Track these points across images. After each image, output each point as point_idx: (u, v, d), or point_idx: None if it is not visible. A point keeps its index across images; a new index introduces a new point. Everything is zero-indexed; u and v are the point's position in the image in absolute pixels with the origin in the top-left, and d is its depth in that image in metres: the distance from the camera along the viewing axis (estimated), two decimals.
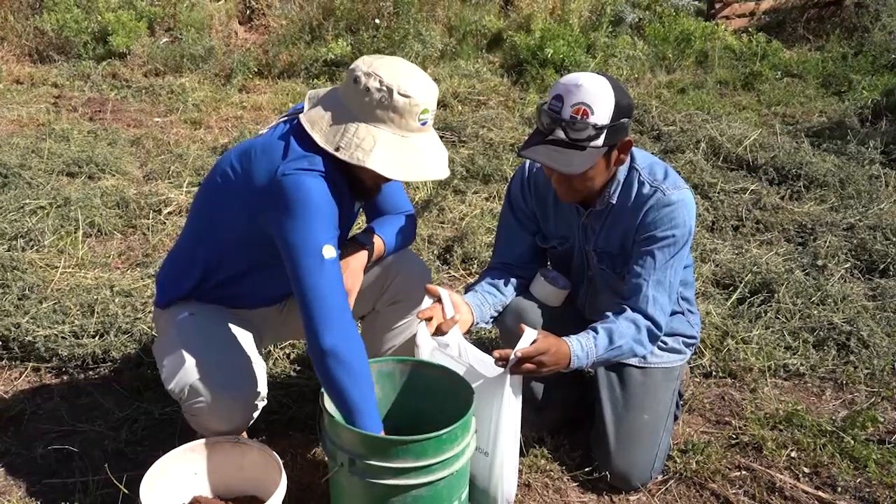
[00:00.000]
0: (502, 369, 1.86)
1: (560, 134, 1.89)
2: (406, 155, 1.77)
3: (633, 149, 2.09)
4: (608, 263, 2.17)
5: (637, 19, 7.97)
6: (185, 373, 1.82)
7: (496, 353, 1.88)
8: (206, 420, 1.87)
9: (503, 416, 1.87)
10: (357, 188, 1.90)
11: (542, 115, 1.93)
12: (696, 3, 8.85)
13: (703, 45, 7.38)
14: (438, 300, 2.01)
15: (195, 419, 1.89)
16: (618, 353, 2.01)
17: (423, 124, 1.80)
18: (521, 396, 1.91)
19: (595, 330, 2.00)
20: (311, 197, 1.72)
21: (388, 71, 1.76)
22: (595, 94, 1.86)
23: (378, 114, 1.76)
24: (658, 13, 8.06)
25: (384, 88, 1.74)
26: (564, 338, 1.95)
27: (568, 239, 2.23)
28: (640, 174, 2.06)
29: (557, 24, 7.33)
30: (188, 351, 1.86)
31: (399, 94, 1.73)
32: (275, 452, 1.81)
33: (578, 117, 1.86)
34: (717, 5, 8.52)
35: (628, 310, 2.04)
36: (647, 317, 2.03)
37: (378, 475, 1.61)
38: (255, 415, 1.92)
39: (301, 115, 1.82)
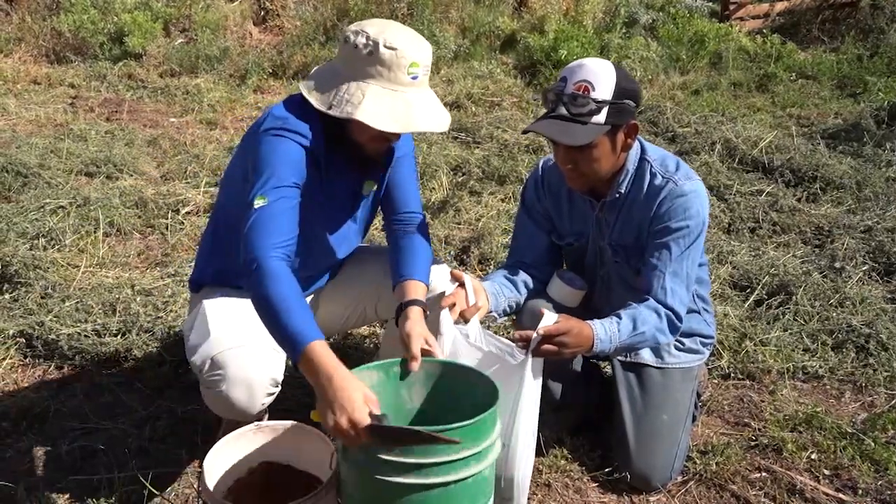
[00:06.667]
0: (523, 356, 1.85)
1: (563, 110, 1.94)
2: (398, 107, 1.79)
3: (645, 143, 2.11)
4: (623, 256, 2.17)
5: (651, 20, 7.98)
6: (209, 346, 1.84)
7: (517, 333, 1.87)
8: (219, 398, 1.85)
9: (522, 403, 1.84)
10: (356, 157, 1.93)
11: (548, 94, 1.99)
12: (710, 4, 8.86)
13: (717, 46, 7.37)
14: (461, 285, 2.00)
15: (210, 393, 1.87)
16: (640, 339, 2.01)
17: (414, 78, 1.81)
18: (540, 381, 1.88)
19: (619, 315, 2.01)
20: (272, 156, 1.80)
21: (375, 27, 1.80)
22: (596, 72, 1.92)
23: (367, 69, 1.78)
24: (672, 14, 8.06)
25: (371, 43, 1.77)
26: (588, 321, 1.96)
27: (583, 234, 2.24)
28: (651, 165, 2.08)
29: (571, 26, 7.33)
30: (214, 327, 1.88)
31: (385, 46, 1.76)
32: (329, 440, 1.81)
33: (580, 93, 1.91)
34: (732, 6, 8.53)
35: (650, 299, 2.05)
36: (667, 307, 2.04)
37: (387, 472, 1.59)
38: (268, 401, 1.90)
39: (300, 83, 1.89)
